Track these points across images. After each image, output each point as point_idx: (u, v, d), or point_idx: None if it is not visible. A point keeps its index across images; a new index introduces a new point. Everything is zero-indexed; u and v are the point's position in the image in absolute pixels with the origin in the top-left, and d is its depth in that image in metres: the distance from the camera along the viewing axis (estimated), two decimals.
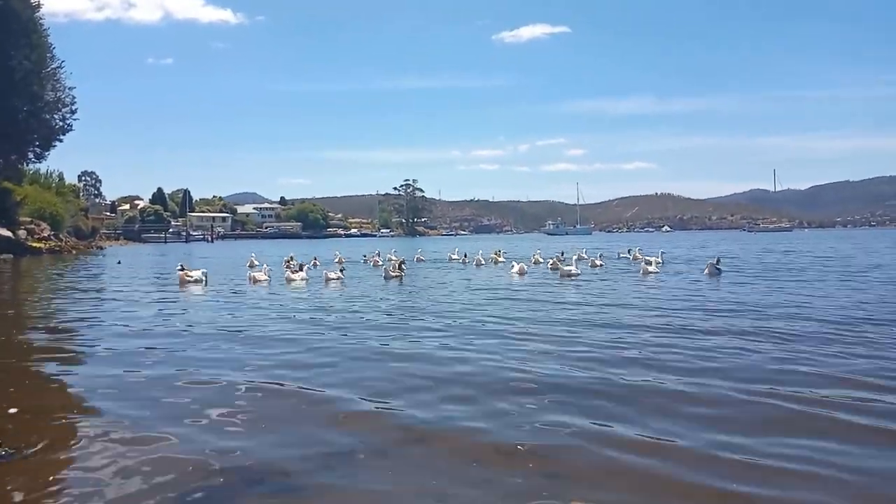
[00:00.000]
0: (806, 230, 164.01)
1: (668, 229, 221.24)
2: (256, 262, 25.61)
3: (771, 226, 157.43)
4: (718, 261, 20.40)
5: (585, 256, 26.51)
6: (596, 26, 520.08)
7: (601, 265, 23.54)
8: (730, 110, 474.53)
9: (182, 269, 20.83)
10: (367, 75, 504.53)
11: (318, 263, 24.05)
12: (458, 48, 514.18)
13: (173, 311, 12.37)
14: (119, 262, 32.11)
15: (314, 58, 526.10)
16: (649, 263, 21.03)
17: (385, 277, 19.27)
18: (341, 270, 19.65)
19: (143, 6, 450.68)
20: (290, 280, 18.30)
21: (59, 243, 48.23)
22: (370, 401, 5.53)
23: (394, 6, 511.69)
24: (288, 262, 24.19)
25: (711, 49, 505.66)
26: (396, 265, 19.88)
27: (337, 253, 31.23)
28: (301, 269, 19.52)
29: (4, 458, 4.23)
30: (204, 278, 18.74)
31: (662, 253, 24.63)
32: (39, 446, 4.42)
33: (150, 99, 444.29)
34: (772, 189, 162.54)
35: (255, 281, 18.30)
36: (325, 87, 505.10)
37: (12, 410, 5.38)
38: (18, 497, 3.67)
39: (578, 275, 19.13)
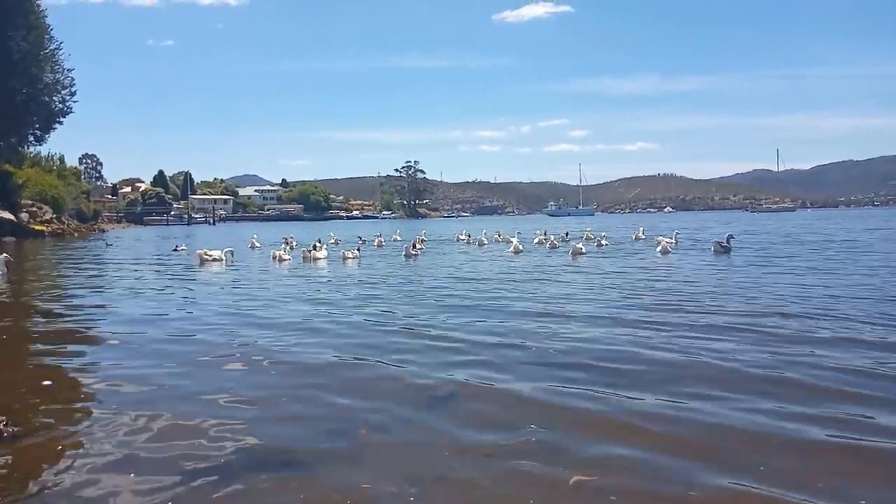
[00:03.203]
0: (809, 210, 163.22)
1: (671, 210, 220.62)
2: (258, 244, 27.05)
3: (774, 206, 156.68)
4: (728, 239, 20.29)
5: (592, 237, 26.58)
6: (599, 5, 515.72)
7: (606, 244, 23.88)
8: (733, 90, 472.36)
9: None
10: (368, 55, 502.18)
11: (318, 245, 24.14)
12: (459, 28, 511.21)
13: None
14: (109, 245, 32.15)
15: (315, 38, 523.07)
16: (661, 242, 20.87)
17: (405, 256, 20.52)
18: (357, 249, 21.11)
19: None
20: (315, 259, 19.30)
21: (61, 226, 48.19)
22: None
23: None
24: (287, 241, 24.90)
25: (714, 28, 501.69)
26: (413, 245, 21.94)
27: (332, 234, 31.73)
28: (316, 249, 20.36)
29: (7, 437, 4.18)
30: (225, 258, 19.41)
31: (676, 234, 24.79)
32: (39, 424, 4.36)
33: (150, 81, 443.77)
34: (775, 169, 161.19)
35: (280, 259, 19.21)
36: (326, 68, 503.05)
37: (46, 382, 5.49)
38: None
39: (584, 253, 19.93)
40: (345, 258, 19.28)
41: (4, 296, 12.58)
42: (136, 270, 17.82)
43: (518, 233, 30.70)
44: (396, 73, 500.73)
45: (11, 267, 15.83)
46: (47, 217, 47.49)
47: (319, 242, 22.85)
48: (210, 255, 19.07)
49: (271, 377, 5.71)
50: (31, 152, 52.49)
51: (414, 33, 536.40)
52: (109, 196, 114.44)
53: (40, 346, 7.35)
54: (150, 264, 20.15)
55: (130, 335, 7.76)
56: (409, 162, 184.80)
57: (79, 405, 4.97)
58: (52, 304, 11.03)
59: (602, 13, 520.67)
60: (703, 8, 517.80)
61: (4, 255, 15.69)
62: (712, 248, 19.74)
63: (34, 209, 46.45)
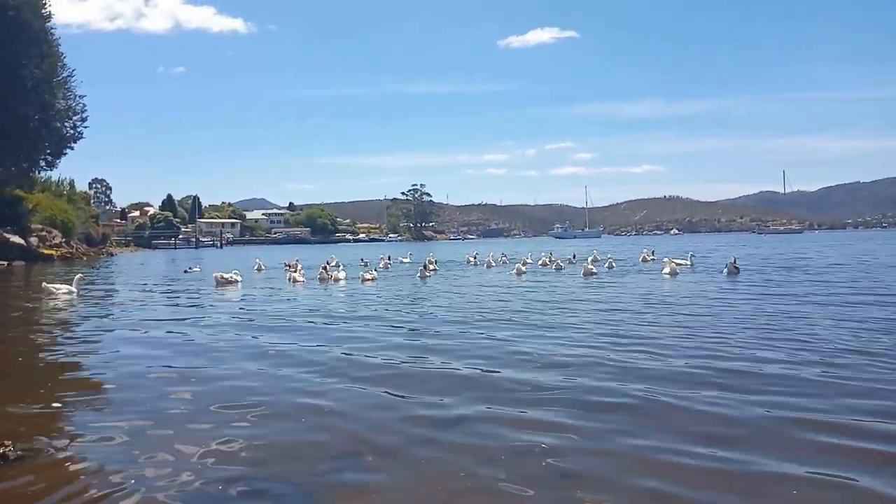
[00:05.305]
0: (816, 232, 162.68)
1: (677, 232, 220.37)
2: (264, 266, 28.13)
3: (781, 228, 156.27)
4: (735, 260, 20.25)
5: (600, 258, 26.54)
6: (604, 30, 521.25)
7: (614, 267, 23.71)
8: (739, 112, 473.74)
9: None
10: (375, 81, 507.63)
11: (328, 266, 24.40)
12: (466, 53, 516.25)
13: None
14: (94, 267, 32.28)
15: (323, 64, 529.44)
16: (667, 264, 20.70)
17: (420, 276, 21.20)
18: (375, 270, 22.48)
19: (153, 16, 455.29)
20: (336, 279, 20.03)
21: (71, 250, 48.44)
22: None
23: (401, 12, 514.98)
24: (289, 265, 25.43)
25: (720, 51, 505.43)
26: (425, 267, 23.21)
27: (333, 256, 32.09)
28: (325, 271, 21.08)
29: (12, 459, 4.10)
30: (239, 279, 19.92)
31: (692, 255, 24.85)
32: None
33: (160, 106, 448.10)
34: (781, 191, 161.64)
35: (295, 281, 19.74)
36: (334, 93, 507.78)
37: (56, 405, 5.49)
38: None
39: (595, 273, 20.35)
40: (363, 279, 19.86)
41: (64, 313, 12.70)
42: (145, 292, 17.82)
43: (530, 253, 30.91)
44: (403, 98, 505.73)
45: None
46: (56, 241, 47.78)
47: (328, 264, 23.77)
48: (226, 278, 19.56)
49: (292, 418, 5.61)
50: (41, 177, 53.07)
51: (421, 59, 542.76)
52: (118, 220, 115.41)
53: (55, 369, 7.29)
54: (164, 290, 20.09)
55: (144, 362, 7.69)
56: (416, 185, 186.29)
57: (87, 428, 4.88)
58: (65, 326, 10.98)
59: (607, 38, 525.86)
60: (709, 32, 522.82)
61: (80, 274, 17.61)
62: (725, 270, 19.62)
63: (44, 233, 46.76)
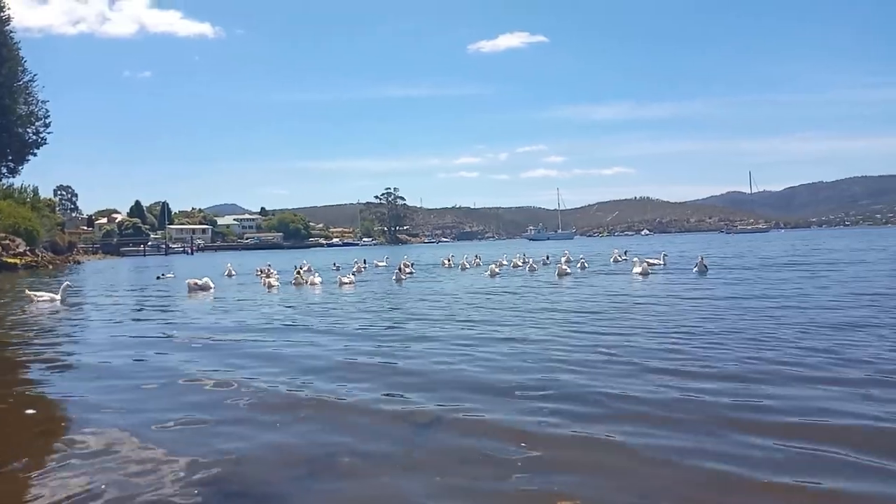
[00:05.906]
0: (782, 231, 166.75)
1: (647, 233, 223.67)
2: (234, 272, 28.09)
3: (748, 227, 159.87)
4: (703, 259, 20.70)
5: (573, 259, 26.83)
6: (573, 34, 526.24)
7: (587, 267, 24.12)
8: (707, 114, 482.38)
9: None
10: (347, 85, 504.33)
11: (301, 271, 24.28)
12: (437, 57, 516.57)
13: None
14: (66, 280, 31.41)
15: (293, 69, 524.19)
16: (637, 264, 21.07)
17: (396, 279, 21.43)
18: (353, 274, 23.21)
19: (117, 20, 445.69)
20: (312, 283, 20.31)
21: (35, 258, 47.14)
22: None
23: (372, 17, 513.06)
24: (261, 271, 25.27)
25: (688, 55, 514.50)
26: (400, 269, 23.44)
27: (305, 262, 31.90)
28: (300, 275, 21.20)
29: None
30: (212, 286, 19.88)
31: (665, 255, 25.28)
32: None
33: (127, 112, 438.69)
34: (748, 191, 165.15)
35: (270, 286, 19.85)
36: (305, 98, 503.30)
37: (29, 411, 5.51)
38: None
39: (569, 273, 20.92)
40: (341, 283, 19.94)
41: (34, 324, 12.34)
42: (116, 303, 17.50)
43: (504, 255, 31.29)
44: (375, 102, 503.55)
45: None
46: (20, 249, 46.46)
47: (301, 269, 23.77)
48: (199, 284, 19.50)
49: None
50: (3, 184, 51.78)
51: (392, 64, 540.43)
52: (85, 227, 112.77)
53: (33, 375, 7.16)
54: (136, 299, 19.75)
55: (126, 369, 7.60)
56: (389, 188, 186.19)
57: (60, 436, 4.82)
58: (33, 339, 10.74)
59: (577, 42, 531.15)
60: (677, 36, 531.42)
61: (66, 282, 18.04)
62: (695, 269, 20.02)
63: (6, 242, 45.45)
